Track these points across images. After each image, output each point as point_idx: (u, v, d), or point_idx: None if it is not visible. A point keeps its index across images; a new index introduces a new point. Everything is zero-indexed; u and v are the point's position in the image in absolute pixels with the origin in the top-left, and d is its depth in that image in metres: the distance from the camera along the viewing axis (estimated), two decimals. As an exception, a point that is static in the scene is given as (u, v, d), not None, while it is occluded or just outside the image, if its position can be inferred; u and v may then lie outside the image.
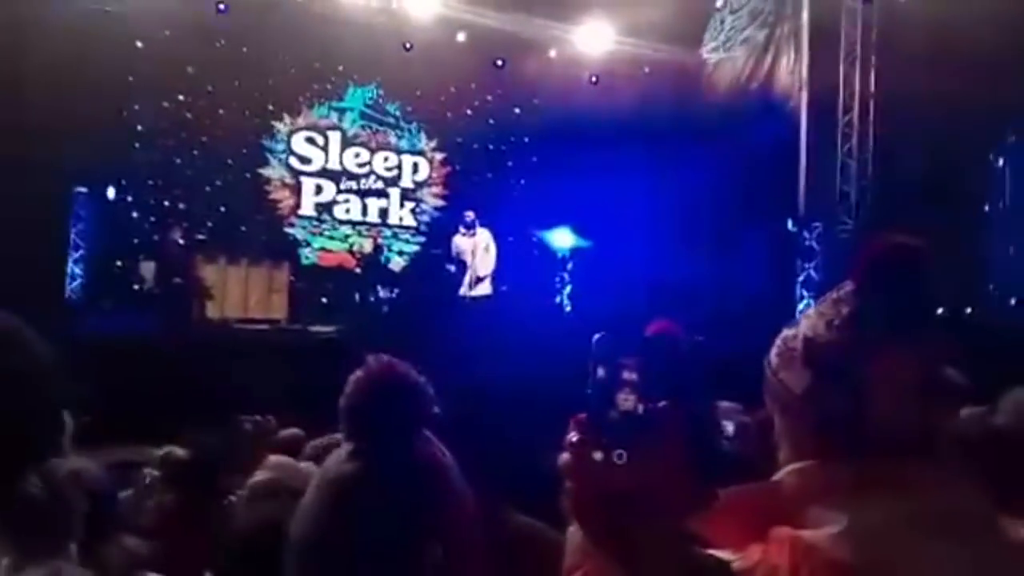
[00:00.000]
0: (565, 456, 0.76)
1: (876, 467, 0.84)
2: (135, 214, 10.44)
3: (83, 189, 9.82)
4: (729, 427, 2.15)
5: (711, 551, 0.82)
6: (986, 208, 11.39)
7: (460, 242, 10.10)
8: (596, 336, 0.77)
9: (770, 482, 0.92)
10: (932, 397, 0.87)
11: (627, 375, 0.75)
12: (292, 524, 1.56)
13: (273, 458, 2.27)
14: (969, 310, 10.37)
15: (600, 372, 0.77)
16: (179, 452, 3.23)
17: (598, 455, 0.75)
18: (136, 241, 10.19)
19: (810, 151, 10.28)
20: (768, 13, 10.95)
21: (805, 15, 10.29)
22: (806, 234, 10.32)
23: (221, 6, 10.34)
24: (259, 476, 2.26)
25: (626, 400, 0.75)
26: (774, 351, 0.96)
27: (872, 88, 10.18)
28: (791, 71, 10.56)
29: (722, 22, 11.37)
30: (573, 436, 0.76)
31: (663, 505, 0.75)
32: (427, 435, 1.62)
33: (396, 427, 1.57)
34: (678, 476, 0.76)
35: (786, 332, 0.95)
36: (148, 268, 9.28)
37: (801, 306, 9.59)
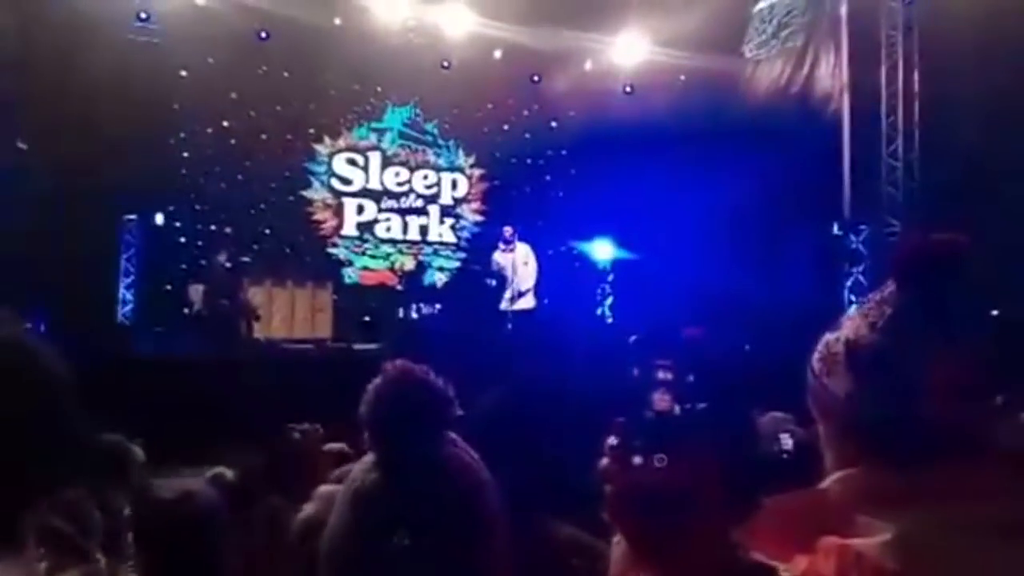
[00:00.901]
0: (605, 460, 0.76)
1: (925, 473, 0.82)
2: (183, 239, 10.69)
3: (132, 216, 10.10)
4: (787, 441, 2.10)
5: (757, 559, 0.80)
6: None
7: (500, 258, 10.13)
8: (632, 337, 0.77)
9: (816, 489, 0.89)
10: (982, 399, 0.84)
11: (663, 375, 0.75)
12: (322, 540, 1.55)
13: (323, 488, 2.27)
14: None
15: (636, 373, 0.76)
16: (227, 473, 3.26)
17: (637, 459, 0.74)
18: (184, 266, 10.42)
19: (854, 154, 10.11)
20: (806, 15, 10.81)
21: (844, 16, 10.14)
22: (852, 238, 10.13)
23: (263, 34, 10.57)
24: (308, 510, 2.25)
25: (662, 400, 0.74)
26: (816, 355, 0.94)
27: (916, 88, 9.98)
28: (832, 74, 10.40)
29: (763, 21, 11.24)
30: (612, 440, 0.76)
31: (705, 510, 0.74)
32: (452, 437, 1.58)
33: (416, 432, 1.53)
34: (719, 481, 0.74)
35: (828, 336, 0.93)
36: (196, 291, 9.47)
37: (851, 310, 9.39)
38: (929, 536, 0.78)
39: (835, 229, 10.20)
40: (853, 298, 9.99)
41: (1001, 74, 8.63)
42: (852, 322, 0.91)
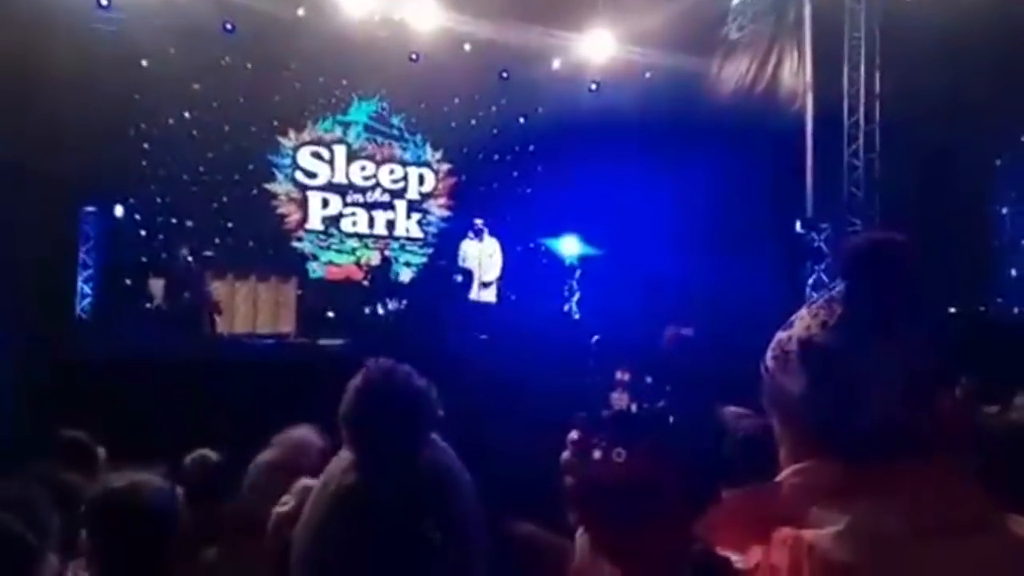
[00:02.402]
0: (566, 454, 0.79)
1: (875, 468, 0.84)
2: (143, 232, 10.50)
3: (91, 208, 9.89)
4: (738, 433, 2.14)
5: (714, 551, 0.82)
6: (995, 207, 11.35)
7: (467, 247, 10.20)
8: (594, 337, 0.80)
9: (771, 483, 0.91)
10: (929, 397, 0.87)
11: (620, 375, 0.78)
12: (294, 541, 1.52)
13: (302, 482, 2.24)
14: (983, 308, 10.32)
15: (596, 372, 0.79)
16: (211, 456, 3.24)
17: (597, 453, 0.77)
18: (144, 259, 10.25)
19: (817, 153, 10.26)
20: (771, 14, 10.95)
21: (807, 17, 10.29)
22: (814, 236, 10.29)
23: (228, 25, 10.40)
24: (287, 504, 2.23)
25: (619, 399, 0.78)
26: (770, 354, 0.95)
27: (877, 89, 10.17)
28: (795, 74, 10.55)
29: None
30: (573, 435, 0.79)
31: (663, 503, 0.77)
32: (435, 440, 1.58)
33: (400, 435, 1.52)
34: (677, 475, 0.77)
35: (781, 335, 0.95)
36: (157, 285, 9.32)
37: (801, 310, 9.53)
38: (877, 529, 0.80)
39: (798, 227, 10.35)
40: (815, 295, 10.13)
41: (961, 76, 8.83)
42: (804, 321, 0.93)
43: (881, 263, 0.90)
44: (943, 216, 9.37)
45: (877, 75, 10.16)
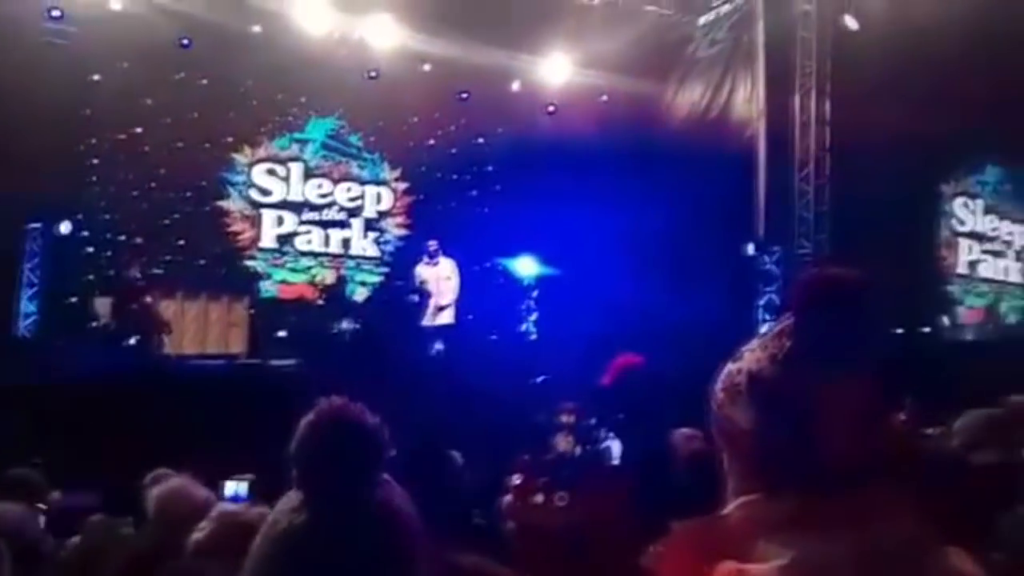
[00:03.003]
0: (507, 498, 0.77)
1: (821, 501, 0.84)
2: (90, 249, 10.23)
3: (36, 224, 9.64)
4: (686, 455, 2.14)
5: None
6: (938, 231, 11.70)
7: (423, 271, 10.10)
8: (536, 380, 0.79)
9: (718, 516, 0.91)
10: (877, 429, 0.87)
11: (564, 419, 0.77)
12: None
13: (219, 508, 2.18)
14: (927, 329, 10.59)
15: (539, 416, 0.78)
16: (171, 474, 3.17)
17: (539, 497, 0.76)
18: (91, 276, 9.99)
19: (768, 177, 10.48)
20: (726, 41, 11.19)
21: (760, 46, 10.53)
22: (766, 258, 10.48)
23: (184, 41, 10.25)
24: (199, 533, 2.17)
25: (564, 442, 0.77)
26: (719, 386, 0.95)
27: (827, 117, 10.44)
28: (749, 100, 10.78)
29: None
30: (515, 479, 0.77)
31: (608, 543, 0.76)
32: (386, 479, 1.57)
33: (350, 475, 1.51)
34: (621, 514, 0.77)
35: (730, 367, 0.95)
36: (103, 304, 9.08)
37: (763, 329, 9.69)
38: (821, 562, 0.79)
39: (750, 249, 10.53)
40: (766, 317, 10.33)
41: (907, 104, 9.12)
42: (753, 354, 0.93)
43: (832, 299, 0.90)
44: (890, 239, 9.64)
45: (827, 103, 10.43)
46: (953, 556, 0.86)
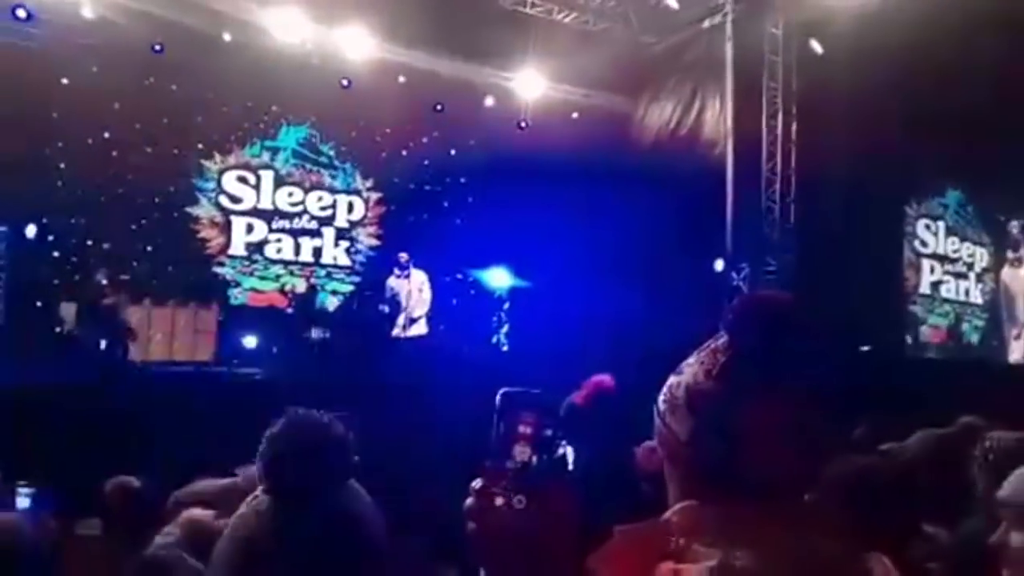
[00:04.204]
0: (469, 500, 0.83)
1: (746, 509, 0.90)
2: (56, 253, 10.10)
3: (1, 228, 9.49)
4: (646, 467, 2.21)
5: None
6: (902, 252, 11.95)
7: (394, 284, 10.10)
8: (500, 392, 0.86)
9: (658, 520, 0.97)
10: (803, 443, 0.93)
11: (523, 429, 0.84)
12: None
13: (185, 514, 2.18)
14: (892, 346, 10.80)
15: (501, 426, 0.86)
16: (133, 482, 3.16)
17: (499, 500, 0.82)
18: (56, 281, 9.87)
19: (737, 195, 10.63)
20: (695, 63, 11.38)
21: (729, 66, 10.73)
22: (734, 275, 10.62)
23: (156, 46, 10.16)
24: (159, 540, 2.17)
25: (522, 452, 0.83)
26: (661, 398, 1.01)
27: (793, 137, 10.65)
28: (717, 119, 10.96)
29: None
30: (477, 483, 0.85)
31: (559, 545, 0.82)
32: (354, 487, 1.59)
33: (317, 484, 1.53)
34: (572, 519, 0.83)
35: (672, 379, 1.00)
36: (69, 309, 8.99)
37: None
38: (741, 566, 0.85)
39: (718, 266, 10.67)
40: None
41: (871, 127, 9.33)
42: (691, 368, 0.99)
43: (762, 321, 0.97)
44: (855, 259, 9.84)
45: (793, 124, 10.65)
46: (875, 563, 0.92)
